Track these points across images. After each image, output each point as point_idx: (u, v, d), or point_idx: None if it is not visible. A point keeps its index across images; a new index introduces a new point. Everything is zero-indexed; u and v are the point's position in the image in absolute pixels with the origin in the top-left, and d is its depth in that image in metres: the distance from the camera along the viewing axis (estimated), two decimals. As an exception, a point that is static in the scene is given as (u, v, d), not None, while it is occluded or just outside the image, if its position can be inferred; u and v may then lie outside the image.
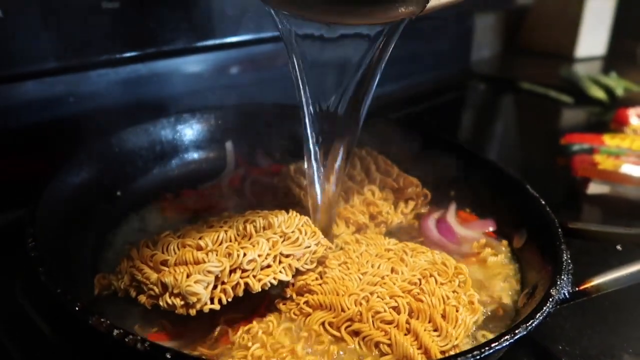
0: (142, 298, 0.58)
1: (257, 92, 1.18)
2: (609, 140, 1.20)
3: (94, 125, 0.91)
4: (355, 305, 0.60)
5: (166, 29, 0.95)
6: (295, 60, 0.61)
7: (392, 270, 0.65)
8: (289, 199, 0.85)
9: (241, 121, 0.99)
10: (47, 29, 0.81)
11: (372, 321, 0.59)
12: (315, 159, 0.68)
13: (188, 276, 0.56)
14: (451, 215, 0.85)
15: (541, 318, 0.55)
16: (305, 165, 0.69)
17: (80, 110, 0.92)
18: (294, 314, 0.62)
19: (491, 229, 0.82)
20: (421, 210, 0.87)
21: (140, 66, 0.98)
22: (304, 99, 0.64)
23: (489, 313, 0.66)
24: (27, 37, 0.79)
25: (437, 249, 0.74)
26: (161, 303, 0.56)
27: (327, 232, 0.73)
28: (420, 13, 0.53)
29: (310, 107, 0.65)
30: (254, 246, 0.59)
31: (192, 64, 1.07)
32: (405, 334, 0.58)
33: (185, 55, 1.04)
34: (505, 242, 0.79)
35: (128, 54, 0.92)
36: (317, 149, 0.67)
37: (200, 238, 0.60)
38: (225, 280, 0.57)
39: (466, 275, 0.66)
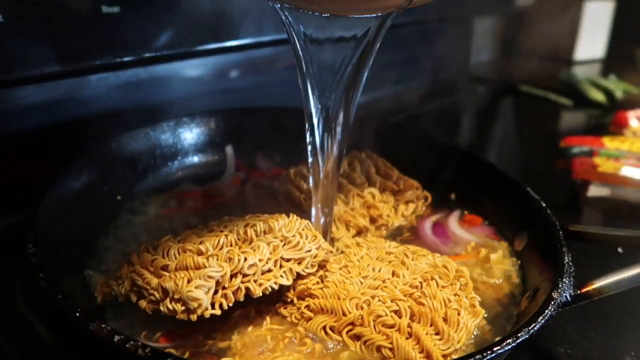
0: (143, 303, 0.58)
1: (257, 96, 1.18)
2: (609, 143, 1.20)
3: (94, 129, 0.91)
4: (357, 309, 0.60)
5: (166, 32, 0.95)
6: (302, 58, 0.61)
7: (393, 273, 0.65)
8: (290, 203, 0.85)
9: (241, 125, 0.99)
10: (48, 33, 0.81)
11: (374, 325, 0.59)
12: (321, 147, 0.67)
13: (189, 281, 0.55)
14: (453, 218, 0.85)
15: (543, 321, 0.55)
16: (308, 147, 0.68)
17: (80, 114, 0.92)
18: (295, 318, 0.62)
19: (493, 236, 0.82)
20: (421, 212, 0.87)
21: (140, 70, 0.98)
22: (310, 96, 0.64)
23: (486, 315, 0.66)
24: (27, 42, 0.79)
25: (429, 249, 0.74)
26: (162, 308, 0.56)
27: (326, 235, 0.73)
28: (408, 6, 0.54)
29: (313, 105, 0.64)
30: (254, 250, 0.59)
31: (191, 68, 1.07)
32: (407, 338, 0.58)
33: (185, 59, 1.04)
34: (504, 244, 0.79)
35: (128, 58, 0.92)
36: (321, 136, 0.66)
37: (200, 243, 0.60)
38: (226, 285, 0.57)
39: (467, 278, 0.66)
